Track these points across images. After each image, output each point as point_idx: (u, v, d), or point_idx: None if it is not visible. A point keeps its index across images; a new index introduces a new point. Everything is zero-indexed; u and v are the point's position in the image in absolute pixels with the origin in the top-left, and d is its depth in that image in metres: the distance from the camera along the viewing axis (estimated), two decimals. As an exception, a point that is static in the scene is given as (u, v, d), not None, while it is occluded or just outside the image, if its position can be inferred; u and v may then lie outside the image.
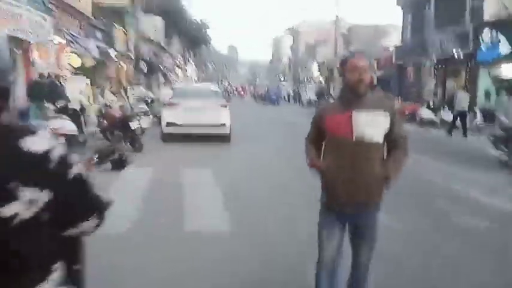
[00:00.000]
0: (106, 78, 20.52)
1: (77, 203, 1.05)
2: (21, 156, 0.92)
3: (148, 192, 5.53)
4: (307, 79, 48.16)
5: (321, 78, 41.75)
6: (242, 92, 47.35)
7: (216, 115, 9.52)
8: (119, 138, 8.47)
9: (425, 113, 16.63)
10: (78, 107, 9.54)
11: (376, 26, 47.36)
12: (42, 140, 0.96)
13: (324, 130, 2.32)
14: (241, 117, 14.07)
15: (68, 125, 7.59)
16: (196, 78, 61.96)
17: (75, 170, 1.03)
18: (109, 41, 20.49)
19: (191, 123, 9.37)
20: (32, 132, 0.96)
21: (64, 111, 8.08)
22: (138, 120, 8.49)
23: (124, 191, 5.58)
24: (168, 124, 9.51)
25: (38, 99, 10.88)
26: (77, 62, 15.82)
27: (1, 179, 0.89)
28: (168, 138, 9.69)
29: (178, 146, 9.30)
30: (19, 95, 12.87)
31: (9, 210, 0.89)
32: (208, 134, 9.63)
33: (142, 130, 8.65)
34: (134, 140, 8.27)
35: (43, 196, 0.94)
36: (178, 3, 42.24)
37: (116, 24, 21.08)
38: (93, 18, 17.29)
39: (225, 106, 9.86)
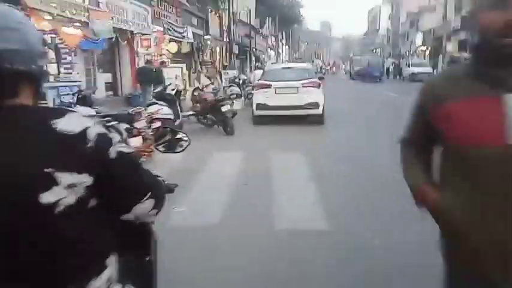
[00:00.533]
0: (202, 62, 21.32)
1: (124, 183, 0.97)
2: (55, 137, 0.86)
3: (238, 179, 5.32)
4: (410, 52, 43.80)
5: (425, 49, 37.54)
6: (334, 69, 45.28)
7: (309, 95, 8.83)
8: (212, 121, 8.51)
9: None
10: (174, 92, 9.85)
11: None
12: (77, 119, 0.90)
13: (438, 128, 1.17)
14: (335, 100, 13.17)
15: (164, 110, 7.82)
16: (287, 58, 61.48)
17: (117, 148, 0.94)
18: (204, 26, 21.14)
19: (282, 105, 8.96)
20: (64, 113, 0.90)
21: (161, 96, 8.36)
22: (230, 104, 8.38)
23: (214, 176, 5.48)
24: (259, 106, 9.24)
25: (145, 83, 11.72)
26: (173, 49, 16.63)
27: (37, 164, 0.84)
28: (259, 121, 9.46)
29: (269, 129, 9.02)
30: (126, 81, 14.08)
31: (50, 196, 0.84)
32: (300, 115, 9.15)
33: (234, 113, 8.55)
34: (226, 123, 8.20)
35: (83, 179, 0.88)
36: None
37: (210, 9, 21.60)
38: (187, 5, 17.88)
39: (318, 86, 9.12)
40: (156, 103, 7.84)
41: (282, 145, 7.25)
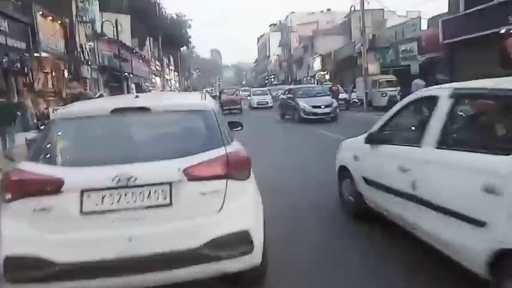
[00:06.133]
0: (34, 91, 13.30)
1: None
2: None
3: None
4: (307, 77, 41.30)
5: (325, 73, 35.03)
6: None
7: (214, 213, 2.39)
8: None
9: None
10: None
11: (379, 11, 41.06)
12: None
13: None
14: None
15: None
16: (177, 86, 54.29)
17: None
18: (30, 36, 13.21)
19: (102, 260, 2.21)
20: None
21: None
22: None
23: None
24: (14, 267, 2.29)
25: None
26: None
27: None
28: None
29: None
30: None
31: None
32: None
33: None
34: None
35: None
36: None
37: (41, 11, 13.77)
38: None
39: (244, 169, 2.58)
40: None
41: None
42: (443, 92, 2.89)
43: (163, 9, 37.39)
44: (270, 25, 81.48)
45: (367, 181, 3.63)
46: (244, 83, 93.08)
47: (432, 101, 2.93)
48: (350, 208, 4.08)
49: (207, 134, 2.71)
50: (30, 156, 2.60)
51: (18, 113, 9.98)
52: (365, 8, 21.37)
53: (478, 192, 2.22)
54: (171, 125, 2.78)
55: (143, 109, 2.68)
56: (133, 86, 30.45)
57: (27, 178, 2.39)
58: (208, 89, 39.25)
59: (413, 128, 3.51)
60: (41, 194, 2.33)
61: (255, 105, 25.50)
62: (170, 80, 51.33)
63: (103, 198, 2.33)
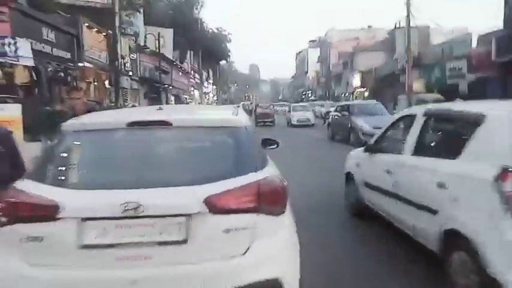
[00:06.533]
0: (65, 98, 13.61)
1: None
2: None
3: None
4: (345, 94, 40.41)
5: (363, 91, 34.07)
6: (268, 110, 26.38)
7: (236, 254, 1.96)
8: None
9: None
10: None
11: (418, 27, 39.64)
12: None
13: None
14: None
15: None
16: (215, 99, 55.11)
17: None
18: (75, 45, 13.70)
19: None
20: None
21: None
22: None
23: None
24: None
25: None
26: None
27: None
28: None
29: None
30: None
31: None
32: None
33: None
34: None
35: None
36: (191, 13, 36.11)
37: (86, 23, 14.30)
38: (22, 3, 10.46)
39: (279, 208, 2.10)
40: None
41: None
42: (419, 110, 3.65)
43: (204, 24, 38.23)
44: (309, 41, 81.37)
45: (366, 183, 4.33)
46: (280, 97, 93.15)
47: (412, 117, 3.68)
48: (353, 207, 4.77)
49: (236, 155, 2.26)
50: (30, 173, 2.27)
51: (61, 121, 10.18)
52: (410, 24, 20.57)
53: (434, 187, 2.88)
54: (195, 143, 2.38)
55: (164, 123, 2.27)
56: (172, 97, 31.10)
57: (21, 200, 2.03)
58: (245, 103, 39.36)
59: (399, 139, 4.09)
60: (34, 220, 1.98)
61: (295, 123, 22.82)
62: (208, 93, 52.19)
63: (105, 229, 1.95)
